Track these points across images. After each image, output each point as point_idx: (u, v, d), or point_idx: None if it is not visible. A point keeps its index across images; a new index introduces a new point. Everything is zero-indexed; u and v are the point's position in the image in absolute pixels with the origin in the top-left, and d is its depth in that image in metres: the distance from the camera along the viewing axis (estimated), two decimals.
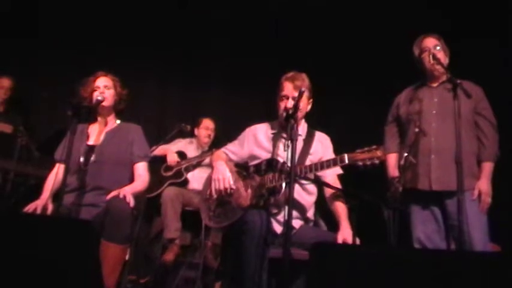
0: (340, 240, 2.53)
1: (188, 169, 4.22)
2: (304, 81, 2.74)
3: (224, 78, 5.07)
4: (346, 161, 2.48)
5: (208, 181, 2.85)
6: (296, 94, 2.56)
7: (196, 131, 4.49)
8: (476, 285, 1.75)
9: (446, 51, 2.99)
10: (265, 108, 3.00)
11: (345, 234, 2.56)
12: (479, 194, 2.79)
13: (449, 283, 1.75)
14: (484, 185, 2.81)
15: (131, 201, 2.65)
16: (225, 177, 2.70)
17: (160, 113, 4.99)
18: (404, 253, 2.00)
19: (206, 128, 4.47)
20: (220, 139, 4.17)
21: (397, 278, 1.78)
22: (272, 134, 2.85)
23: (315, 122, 2.97)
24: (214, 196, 2.73)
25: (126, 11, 4.80)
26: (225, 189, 2.68)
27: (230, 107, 5.00)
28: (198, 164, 4.27)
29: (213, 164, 2.86)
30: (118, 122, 3.08)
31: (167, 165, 4.21)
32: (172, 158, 4.21)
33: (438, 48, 2.94)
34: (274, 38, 4.84)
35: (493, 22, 4.37)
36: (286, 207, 2.28)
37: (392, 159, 3.00)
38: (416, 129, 2.81)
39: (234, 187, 2.69)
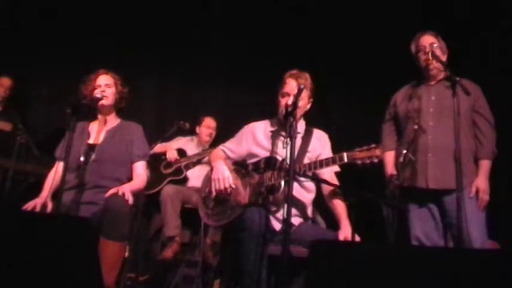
0: (341, 238, 2.54)
1: (188, 166, 4.23)
2: (307, 80, 2.76)
3: (224, 76, 5.06)
4: (345, 160, 2.49)
5: (207, 179, 2.85)
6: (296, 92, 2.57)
7: (197, 129, 4.49)
8: (475, 282, 1.75)
9: (444, 49, 2.98)
10: (266, 107, 3.00)
11: (346, 232, 2.57)
12: (477, 192, 2.79)
13: (448, 280, 1.75)
14: (481, 182, 2.80)
15: (130, 199, 2.65)
16: (225, 176, 2.70)
17: (160, 111, 4.98)
18: (403, 250, 2.00)
19: (208, 126, 4.47)
20: (221, 137, 4.17)
21: (395, 275, 1.78)
22: (271, 131, 2.85)
23: (316, 120, 2.97)
24: (213, 195, 2.74)
25: (126, 10, 4.79)
26: (225, 189, 2.69)
27: (230, 105, 5.00)
28: (198, 162, 4.28)
29: (212, 164, 2.85)
30: (118, 120, 3.08)
31: (167, 162, 4.22)
32: (171, 155, 4.21)
33: (435, 45, 2.93)
34: (275, 37, 4.83)
35: (492, 21, 4.37)
36: (286, 205, 2.28)
37: (390, 157, 2.99)
38: (415, 127, 2.80)
39: (233, 186, 2.69)
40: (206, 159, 4.13)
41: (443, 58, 2.93)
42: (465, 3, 4.45)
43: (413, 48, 3.01)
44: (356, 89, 4.70)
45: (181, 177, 4.16)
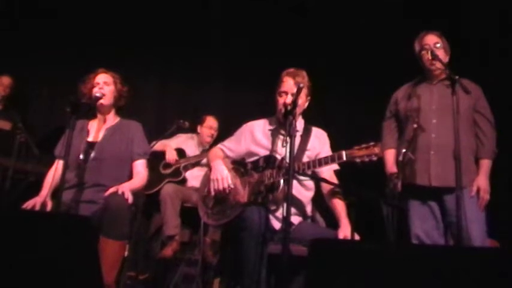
0: (341, 237, 2.54)
1: (187, 168, 4.22)
2: (304, 78, 2.76)
3: (224, 76, 5.06)
4: (344, 158, 2.48)
5: (206, 178, 2.85)
6: (295, 90, 2.57)
7: (199, 129, 4.47)
8: (475, 281, 1.75)
9: (447, 49, 2.98)
10: (266, 107, 3.00)
11: (346, 231, 2.57)
12: (478, 191, 2.80)
13: (448, 279, 1.75)
14: (482, 181, 2.81)
15: (130, 198, 2.65)
16: (223, 176, 2.70)
17: (160, 111, 4.98)
18: (402, 249, 2.00)
19: (210, 127, 4.44)
20: (221, 137, 4.16)
21: (395, 274, 1.78)
22: (269, 130, 2.85)
23: (316, 119, 2.97)
24: (213, 194, 2.74)
25: (126, 10, 4.79)
26: (224, 189, 2.69)
27: (230, 105, 4.99)
28: (197, 163, 4.26)
29: (211, 164, 2.85)
30: (118, 118, 3.08)
31: (166, 162, 4.21)
32: (171, 156, 4.21)
33: (438, 45, 2.94)
34: (275, 37, 4.83)
35: (492, 21, 4.38)
36: (285, 204, 2.28)
37: (390, 155, 2.99)
38: (415, 125, 2.81)
39: (232, 186, 2.69)
40: (205, 160, 4.12)
41: (446, 58, 2.93)
42: (465, 3, 4.45)
43: (416, 46, 3.01)
44: (356, 89, 4.70)
45: (179, 178, 4.15)
